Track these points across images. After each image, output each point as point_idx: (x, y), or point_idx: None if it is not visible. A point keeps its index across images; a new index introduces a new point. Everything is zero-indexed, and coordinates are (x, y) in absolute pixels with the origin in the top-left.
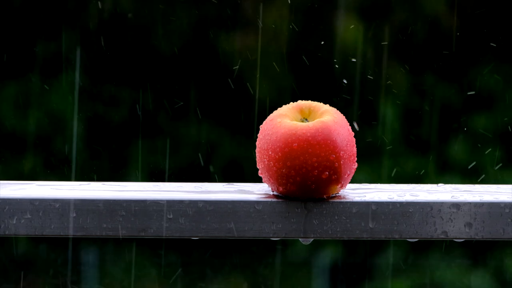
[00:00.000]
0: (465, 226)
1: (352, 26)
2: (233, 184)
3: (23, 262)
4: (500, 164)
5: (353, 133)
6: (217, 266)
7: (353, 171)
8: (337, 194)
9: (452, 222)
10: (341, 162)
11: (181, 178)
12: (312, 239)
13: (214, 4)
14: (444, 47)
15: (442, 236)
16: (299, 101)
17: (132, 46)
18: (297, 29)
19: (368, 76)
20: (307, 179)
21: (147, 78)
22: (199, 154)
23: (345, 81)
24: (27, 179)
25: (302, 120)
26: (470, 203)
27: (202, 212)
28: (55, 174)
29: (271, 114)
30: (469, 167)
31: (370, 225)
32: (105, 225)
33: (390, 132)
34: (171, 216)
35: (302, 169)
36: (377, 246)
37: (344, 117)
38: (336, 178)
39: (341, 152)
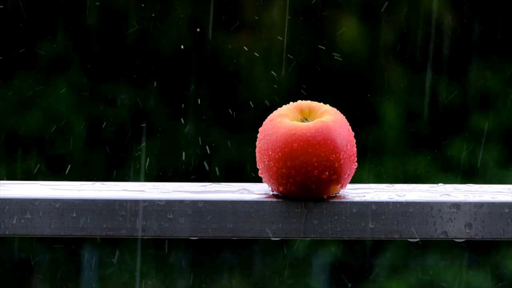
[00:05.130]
0: (465, 226)
1: (352, 25)
2: (233, 184)
3: (23, 262)
4: (500, 164)
5: (353, 133)
6: (217, 266)
7: (353, 171)
8: (337, 194)
9: (452, 222)
10: (341, 162)
11: (181, 178)
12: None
13: (214, 3)
14: (445, 46)
15: (442, 236)
16: (299, 101)
17: (132, 45)
18: (297, 29)
19: (368, 75)
20: (307, 179)
21: (147, 78)
22: (199, 154)
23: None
24: (28, 179)
25: (302, 120)
26: (470, 203)
27: (202, 212)
28: (55, 174)
29: (271, 114)
30: (469, 167)
31: (370, 225)
32: (105, 225)
33: (390, 132)
34: (171, 216)
35: (302, 169)
36: (377, 246)
37: (344, 117)
38: (336, 178)
39: (341, 152)
